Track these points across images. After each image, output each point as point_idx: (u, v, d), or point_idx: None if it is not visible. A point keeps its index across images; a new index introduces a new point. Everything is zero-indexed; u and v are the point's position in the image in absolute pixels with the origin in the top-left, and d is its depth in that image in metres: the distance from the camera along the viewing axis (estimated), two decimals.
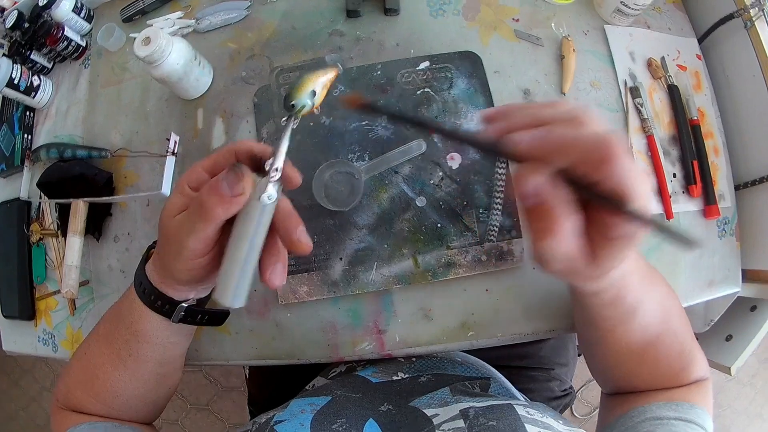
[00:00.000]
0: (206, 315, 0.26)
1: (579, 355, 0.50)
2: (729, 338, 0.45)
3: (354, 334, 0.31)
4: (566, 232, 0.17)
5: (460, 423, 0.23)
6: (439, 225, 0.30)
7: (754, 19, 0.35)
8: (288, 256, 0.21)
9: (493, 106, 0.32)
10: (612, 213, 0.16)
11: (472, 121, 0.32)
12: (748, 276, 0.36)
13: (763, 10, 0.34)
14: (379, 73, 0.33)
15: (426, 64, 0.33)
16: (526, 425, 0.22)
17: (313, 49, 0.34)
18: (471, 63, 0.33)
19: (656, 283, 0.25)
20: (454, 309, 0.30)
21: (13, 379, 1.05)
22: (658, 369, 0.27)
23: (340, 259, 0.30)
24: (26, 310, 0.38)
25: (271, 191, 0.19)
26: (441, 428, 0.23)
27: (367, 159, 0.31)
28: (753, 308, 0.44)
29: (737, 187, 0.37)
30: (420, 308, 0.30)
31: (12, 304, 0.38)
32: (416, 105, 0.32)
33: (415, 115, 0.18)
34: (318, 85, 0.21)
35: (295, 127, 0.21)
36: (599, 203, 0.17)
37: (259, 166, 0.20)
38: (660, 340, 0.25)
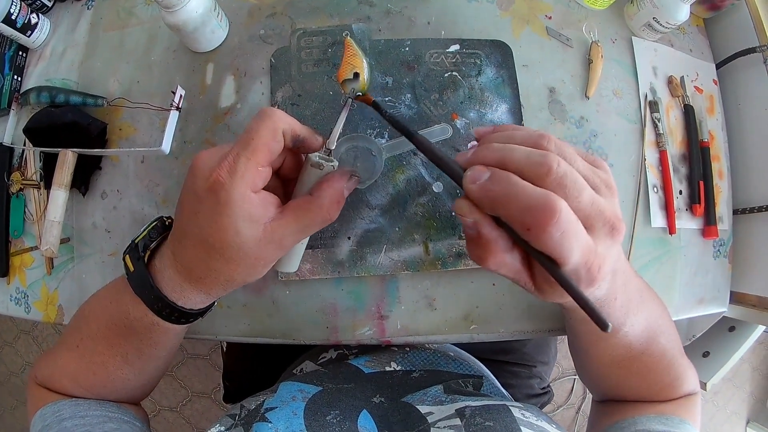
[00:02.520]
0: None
1: None
2: (706, 355, 0.47)
3: (355, 318, 0.30)
4: (498, 264, 0.17)
5: (457, 421, 0.23)
6: (453, 213, 0.29)
7: None
8: None
9: (519, 98, 0.32)
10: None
11: (496, 112, 0.31)
12: (734, 298, 0.38)
13: None
14: (407, 49, 0.31)
15: (456, 47, 0.32)
16: (522, 428, 0.22)
17: (339, 15, 0.33)
18: (501, 53, 0.32)
19: (645, 303, 0.25)
20: (459, 300, 0.30)
21: None
22: (645, 382, 0.27)
23: (348, 238, 0.29)
24: (0, 266, 0.34)
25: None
26: (437, 426, 0.23)
27: (386, 137, 0.30)
28: (731, 329, 0.46)
29: (735, 212, 0.38)
30: (425, 296, 0.30)
31: None
32: (442, 87, 0.31)
33: (405, 125, 0.20)
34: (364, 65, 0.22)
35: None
36: (531, 254, 0.17)
37: (296, 144, 0.21)
38: (646, 355, 0.25)
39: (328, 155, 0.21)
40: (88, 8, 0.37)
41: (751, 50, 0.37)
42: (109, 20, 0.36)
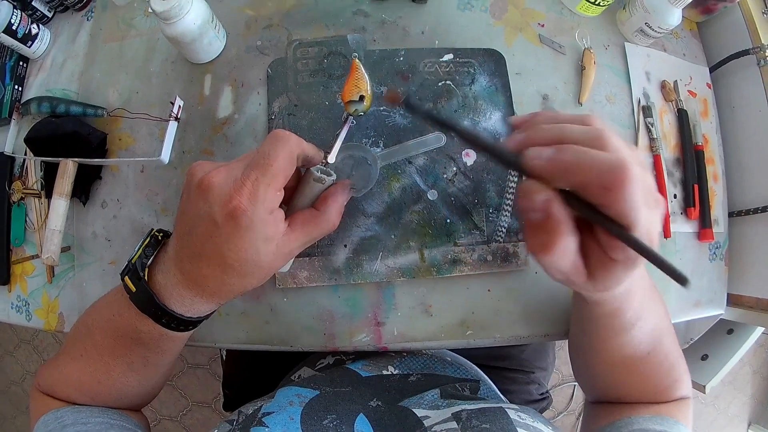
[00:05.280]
0: None
1: None
2: (705, 358, 0.47)
3: (351, 325, 0.30)
4: (563, 250, 0.17)
5: (453, 425, 0.23)
6: (448, 220, 0.30)
7: None
8: None
9: (512, 106, 0.32)
10: (612, 237, 0.16)
11: (490, 120, 0.32)
12: (731, 300, 0.38)
13: None
14: (401, 59, 0.32)
15: (450, 56, 0.32)
16: (518, 429, 0.22)
17: (335, 26, 0.33)
18: (494, 61, 0.32)
19: (655, 302, 0.26)
20: (455, 306, 0.30)
21: None
22: (645, 383, 0.27)
23: (345, 246, 0.29)
24: (1, 274, 0.35)
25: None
26: (433, 430, 0.23)
27: (381, 146, 0.30)
28: (730, 331, 0.46)
29: (730, 215, 0.38)
30: (421, 303, 0.30)
31: None
32: (436, 96, 0.31)
33: (446, 117, 0.20)
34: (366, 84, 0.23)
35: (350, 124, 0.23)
36: (602, 226, 0.17)
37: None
38: (651, 356, 0.26)
39: (324, 166, 0.22)
40: (87, 19, 0.37)
41: (744, 52, 0.37)
42: (109, 31, 0.36)
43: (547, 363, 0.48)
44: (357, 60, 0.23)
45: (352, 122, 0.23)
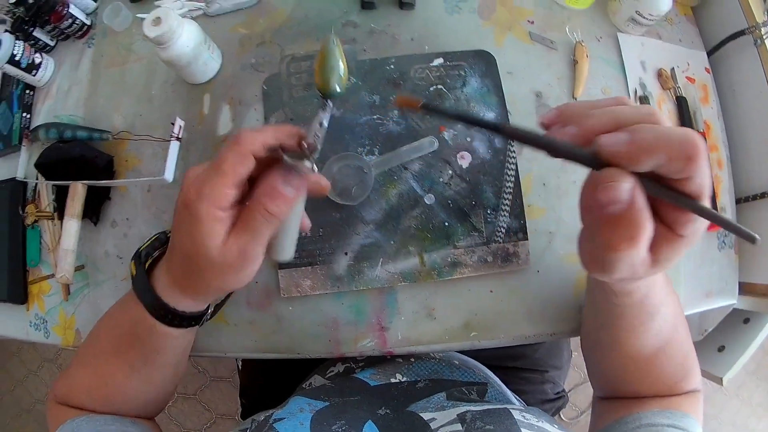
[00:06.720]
0: (220, 306, 0.27)
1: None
2: (721, 349, 0.46)
3: (356, 331, 0.30)
4: (647, 240, 0.16)
5: (458, 426, 0.23)
6: (446, 224, 0.30)
7: (764, 36, 0.35)
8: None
9: (505, 106, 0.32)
10: (686, 211, 0.16)
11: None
12: (743, 289, 0.37)
13: None
14: (392, 67, 0.32)
15: (440, 60, 0.32)
16: (522, 430, 0.22)
17: (325, 39, 0.34)
18: (485, 63, 0.33)
19: (670, 287, 0.26)
20: (458, 309, 0.30)
21: None
22: (661, 376, 0.27)
23: (346, 253, 0.30)
24: (19, 294, 0.36)
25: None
26: None
27: (377, 153, 0.31)
28: (746, 320, 0.45)
29: (738, 201, 0.38)
30: (424, 307, 0.30)
31: (3, 287, 0.37)
32: (428, 101, 0.32)
33: (479, 116, 0.19)
34: (340, 63, 0.22)
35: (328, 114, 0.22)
36: (681, 204, 0.16)
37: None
38: (669, 346, 0.26)
39: (310, 153, 0.20)
40: (89, 46, 0.39)
41: (740, 33, 0.36)
42: (110, 57, 0.38)
43: (562, 361, 0.47)
44: (328, 42, 0.21)
45: (333, 110, 0.22)
